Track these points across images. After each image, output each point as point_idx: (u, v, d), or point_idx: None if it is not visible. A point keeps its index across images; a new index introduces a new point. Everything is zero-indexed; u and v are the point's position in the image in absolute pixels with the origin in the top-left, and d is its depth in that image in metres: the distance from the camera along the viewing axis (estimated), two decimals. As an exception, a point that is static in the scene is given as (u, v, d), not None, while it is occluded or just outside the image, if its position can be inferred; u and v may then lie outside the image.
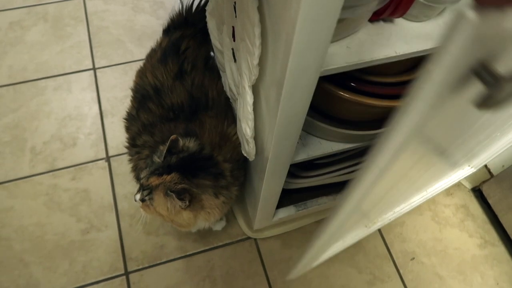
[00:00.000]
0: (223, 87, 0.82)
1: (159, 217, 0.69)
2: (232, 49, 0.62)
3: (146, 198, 0.66)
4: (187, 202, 0.64)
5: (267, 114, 0.55)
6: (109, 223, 1.02)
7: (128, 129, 0.83)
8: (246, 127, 0.59)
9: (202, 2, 0.90)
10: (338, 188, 0.94)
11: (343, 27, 0.48)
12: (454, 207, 1.08)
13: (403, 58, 0.51)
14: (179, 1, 0.93)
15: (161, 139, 0.76)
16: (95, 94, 1.21)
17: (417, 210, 1.07)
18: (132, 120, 0.83)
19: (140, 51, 1.27)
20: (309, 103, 0.50)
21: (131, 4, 1.37)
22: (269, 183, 0.69)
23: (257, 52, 0.47)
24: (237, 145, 0.76)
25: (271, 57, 0.49)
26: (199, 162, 0.68)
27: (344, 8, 0.44)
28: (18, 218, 1.02)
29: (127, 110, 0.85)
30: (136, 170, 0.81)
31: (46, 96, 1.19)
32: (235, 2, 0.53)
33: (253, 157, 0.65)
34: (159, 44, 0.86)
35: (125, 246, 1.00)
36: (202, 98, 0.79)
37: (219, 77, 0.83)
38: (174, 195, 0.62)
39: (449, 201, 1.09)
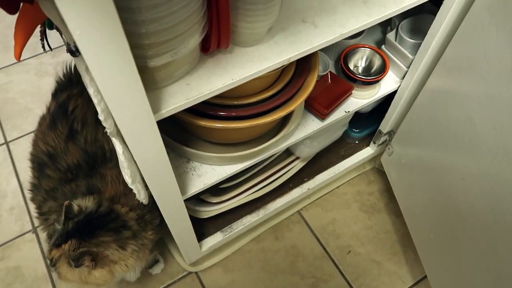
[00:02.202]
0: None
1: (76, 283, 0.69)
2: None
3: (55, 272, 0.67)
4: (91, 264, 0.65)
5: (136, 159, 0.57)
6: (46, 295, 1.00)
7: (33, 199, 0.83)
8: (124, 175, 0.61)
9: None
10: (258, 204, 0.97)
11: (174, 68, 0.51)
12: (377, 193, 1.14)
13: (241, 83, 0.55)
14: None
15: (64, 201, 0.76)
16: (11, 167, 1.19)
17: (345, 204, 1.12)
18: (35, 189, 0.82)
19: (50, 114, 1.27)
20: (161, 144, 0.53)
21: (34, 70, 1.37)
22: (172, 219, 0.71)
23: (99, 108, 0.50)
24: (142, 189, 0.78)
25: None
26: (97, 221, 0.69)
27: (163, 53, 0.48)
28: (-51, 314, 0.97)
29: (30, 181, 0.85)
30: (49, 237, 0.81)
31: (-40, 182, 1.16)
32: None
33: (145, 200, 0.67)
34: (48, 109, 0.87)
35: (67, 314, 0.97)
36: (98, 152, 0.80)
37: (114, 128, 0.85)
38: (73, 264, 0.63)
39: (371, 189, 1.15)
